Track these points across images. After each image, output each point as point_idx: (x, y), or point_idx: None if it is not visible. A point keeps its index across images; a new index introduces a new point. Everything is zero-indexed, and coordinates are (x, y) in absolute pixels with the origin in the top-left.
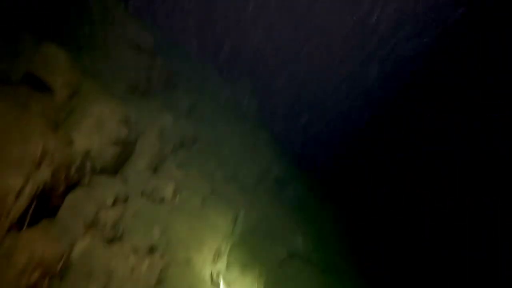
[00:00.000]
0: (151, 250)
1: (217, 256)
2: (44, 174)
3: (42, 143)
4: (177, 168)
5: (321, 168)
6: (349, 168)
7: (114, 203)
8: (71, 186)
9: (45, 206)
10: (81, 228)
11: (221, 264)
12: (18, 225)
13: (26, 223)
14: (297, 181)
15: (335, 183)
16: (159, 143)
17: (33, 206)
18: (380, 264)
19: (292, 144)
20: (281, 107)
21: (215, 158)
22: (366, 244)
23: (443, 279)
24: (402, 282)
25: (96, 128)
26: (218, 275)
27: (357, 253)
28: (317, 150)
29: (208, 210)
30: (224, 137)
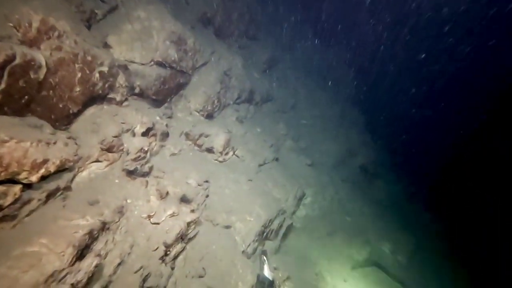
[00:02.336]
0: (182, 199)
1: (267, 233)
2: (32, 51)
3: (43, 17)
4: (236, 120)
5: (420, 165)
6: (452, 171)
7: (146, 133)
8: (96, 97)
9: (36, 96)
10: (95, 148)
11: (272, 244)
12: None
13: None
14: (389, 174)
15: (434, 186)
16: (220, 86)
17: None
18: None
19: (390, 132)
20: (381, 89)
21: (289, 124)
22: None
23: None
24: None
25: (140, 38)
26: (264, 255)
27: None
28: (417, 145)
29: (266, 177)
30: (305, 104)
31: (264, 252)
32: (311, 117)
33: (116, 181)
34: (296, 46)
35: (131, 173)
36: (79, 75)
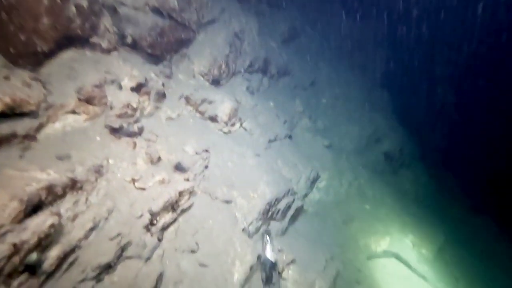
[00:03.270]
0: (177, 168)
1: (273, 212)
2: None
3: None
4: (247, 90)
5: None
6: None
7: (137, 89)
8: (74, 37)
9: None
10: (70, 97)
11: (278, 225)
12: None
13: None
14: (418, 164)
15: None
16: (229, 49)
17: None
18: None
19: (422, 120)
20: (416, 71)
21: (307, 102)
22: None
23: None
24: None
25: None
26: (267, 235)
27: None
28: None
29: (276, 154)
30: (327, 82)
31: (267, 232)
32: (333, 97)
33: (98, 138)
34: (322, 18)
35: (115, 131)
36: (45, 2)
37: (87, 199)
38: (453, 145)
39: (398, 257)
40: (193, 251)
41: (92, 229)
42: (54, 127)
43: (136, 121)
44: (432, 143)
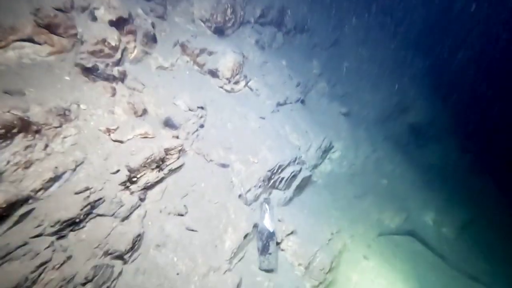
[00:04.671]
0: (167, 123)
1: (276, 180)
2: None
3: None
4: (256, 45)
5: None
6: None
7: (118, 25)
8: None
9: None
10: (26, 20)
11: (280, 194)
12: None
13: None
14: (448, 139)
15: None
16: None
17: None
18: None
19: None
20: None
21: (326, 64)
22: None
23: None
24: None
25: None
26: (267, 203)
27: None
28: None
29: (284, 118)
30: (352, 42)
31: (266, 200)
32: (357, 59)
33: (66, 78)
34: None
35: (89, 72)
36: None
37: (47, 145)
38: (488, 118)
39: (413, 235)
40: (180, 214)
41: (52, 180)
42: (5, 56)
43: (117, 64)
44: (466, 115)
